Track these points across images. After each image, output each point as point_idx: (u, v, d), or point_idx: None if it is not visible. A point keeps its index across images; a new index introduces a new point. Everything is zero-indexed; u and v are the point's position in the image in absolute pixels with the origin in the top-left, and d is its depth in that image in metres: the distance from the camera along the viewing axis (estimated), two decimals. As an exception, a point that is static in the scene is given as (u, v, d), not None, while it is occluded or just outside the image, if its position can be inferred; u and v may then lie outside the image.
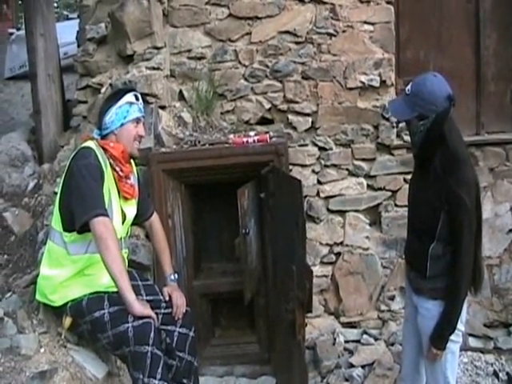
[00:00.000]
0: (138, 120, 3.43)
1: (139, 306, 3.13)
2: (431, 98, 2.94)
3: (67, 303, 3.27)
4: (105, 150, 3.31)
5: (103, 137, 3.39)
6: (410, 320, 3.45)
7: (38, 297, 3.42)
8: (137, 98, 3.43)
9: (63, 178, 3.30)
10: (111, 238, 3.07)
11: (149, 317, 3.16)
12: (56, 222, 3.29)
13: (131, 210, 3.51)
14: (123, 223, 3.42)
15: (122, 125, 3.36)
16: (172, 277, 3.75)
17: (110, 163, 3.30)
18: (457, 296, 3.06)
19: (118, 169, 3.33)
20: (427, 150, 3.05)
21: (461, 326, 3.19)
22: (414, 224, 3.33)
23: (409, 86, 3.03)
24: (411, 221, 3.36)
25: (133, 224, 3.67)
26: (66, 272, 3.26)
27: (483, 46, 5.32)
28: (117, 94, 3.46)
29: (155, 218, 3.85)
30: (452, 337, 3.12)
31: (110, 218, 3.18)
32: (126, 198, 3.42)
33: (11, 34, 12.13)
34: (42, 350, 3.40)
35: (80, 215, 3.09)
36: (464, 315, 3.20)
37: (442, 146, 2.99)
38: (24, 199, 4.75)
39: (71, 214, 3.14)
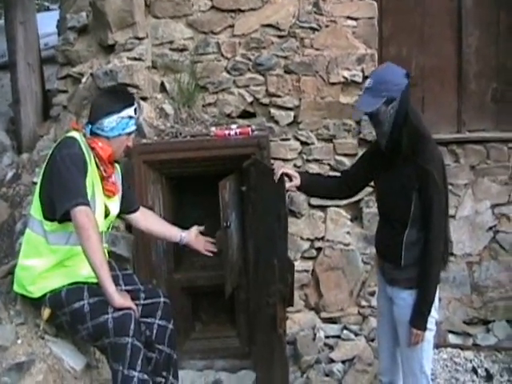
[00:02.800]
0: (132, 133, 3.42)
1: (119, 298, 3.09)
2: (393, 78, 3.08)
3: (45, 294, 3.22)
4: (92, 147, 3.26)
5: (94, 134, 3.32)
6: (384, 313, 3.49)
7: (15, 288, 3.36)
8: (136, 112, 3.40)
9: (44, 165, 3.24)
10: (93, 228, 3.02)
11: (129, 308, 3.12)
12: (36, 210, 3.24)
13: (114, 206, 3.47)
14: (106, 217, 3.38)
15: (119, 135, 3.32)
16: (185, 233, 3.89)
17: (95, 161, 3.26)
18: (431, 269, 3.12)
19: (102, 168, 3.30)
20: (397, 135, 3.08)
21: (434, 314, 3.24)
22: (385, 214, 3.36)
23: (368, 80, 3.14)
24: (382, 211, 3.40)
25: (117, 217, 3.63)
26: (44, 262, 3.21)
27: (465, 43, 5.36)
28: (120, 100, 3.36)
29: (144, 209, 3.86)
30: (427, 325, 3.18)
31: (93, 210, 3.14)
32: (108, 196, 3.39)
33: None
34: (19, 342, 3.34)
35: (61, 203, 3.04)
36: (437, 303, 3.24)
37: (407, 125, 3.07)
38: (2, 189, 4.70)
39: (52, 202, 3.10)
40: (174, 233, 3.90)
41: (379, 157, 3.31)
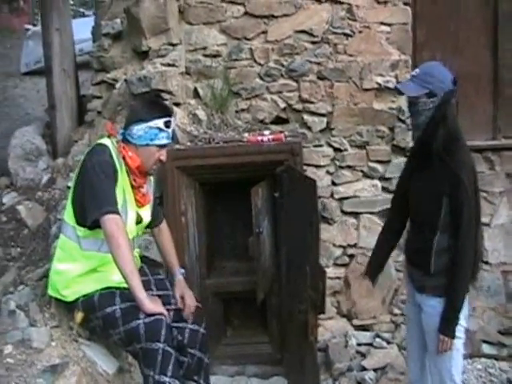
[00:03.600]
0: (163, 146, 3.36)
1: (149, 303, 3.09)
2: (440, 76, 3.12)
3: (79, 298, 3.24)
4: (122, 155, 3.27)
5: (126, 140, 3.32)
6: (412, 320, 3.48)
7: (50, 292, 3.39)
8: (168, 126, 3.32)
9: (77, 172, 3.27)
10: (122, 236, 3.03)
11: (160, 314, 3.13)
12: (69, 215, 3.27)
13: (146, 214, 3.49)
14: (137, 224, 3.40)
15: (147, 145, 3.28)
16: (182, 271, 3.71)
17: (126, 169, 3.28)
18: (460, 277, 3.11)
19: (132, 177, 3.31)
20: (431, 131, 3.10)
21: (463, 322, 3.22)
22: (416, 219, 3.35)
23: (416, 70, 3.20)
24: (413, 216, 3.38)
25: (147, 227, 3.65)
26: (78, 267, 3.23)
27: (501, 48, 5.29)
28: (153, 109, 3.34)
29: (164, 225, 3.80)
30: (456, 333, 3.16)
31: (124, 217, 3.16)
32: (138, 206, 3.39)
33: (27, 29, 12.15)
34: (54, 344, 3.37)
35: (91, 212, 3.06)
36: (466, 311, 3.23)
37: (444, 127, 3.08)
38: (38, 193, 4.76)
39: (84, 209, 3.12)
40: (174, 266, 3.71)
41: (414, 159, 3.34)
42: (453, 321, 3.14)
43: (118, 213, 3.07)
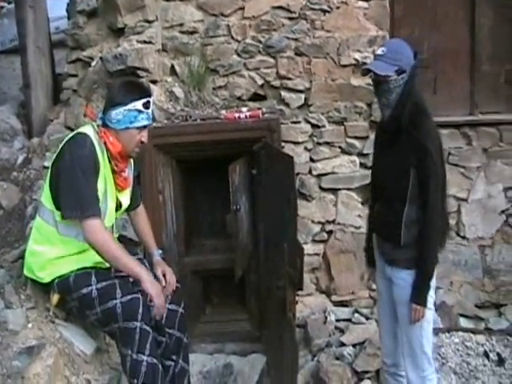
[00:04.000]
0: (143, 127, 3.30)
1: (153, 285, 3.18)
2: (407, 52, 3.18)
3: (54, 280, 3.24)
4: (104, 141, 3.23)
5: (105, 125, 3.27)
6: (383, 294, 3.53)
7: (25, 272, 3.39)
8: (147, 107, 3.26)
9: (55, 158, 3.23)
10: (108, 239, 3.09)
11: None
12: (47, 199, 3.24)
13: (126, 198, 3.47)
14: (117, 211, 3.39)
15: (127, 128, 3.23)
16: (159, 251, 3.69)
17: (107, 155, 3.24)
18: (430, 248, 3.19)
19: (113, 163, 3.26)
20: (402, 107, 3.15)
21: (432, 294, 3.30)
22: (383, 192, 3.39)
23: (382, 48, 3.22)
24: (380, 190, 3.43)
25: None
26: (55, 251, 3.22)
27: (478, 24, 5.29)
28: (130, 92, 3.25)
29: (142, 208, 3.77)
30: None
31: (104, 206, 3.17)
32: (119, 190, 3.37)
33: (2, 7, 11.96)
34: (30, 326, 3.37)
35: (70, 209, 3.06)
36: (434, 283, 3.30)
37: (411, 101, 3.16)
38: (13, 173, 4.71)
39: (60, 202, 3.12)
40: (152, 246, 3.71)
41: (383, 135, 3.38)
42: (424, 290, 3.21)
43: (99, 215, 3.09)
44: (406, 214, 3.19)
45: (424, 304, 3.21)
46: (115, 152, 3.23)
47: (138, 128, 3.25)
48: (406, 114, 3.14)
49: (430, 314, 3.31)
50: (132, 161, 3.55)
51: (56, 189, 3.14)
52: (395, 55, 3.12)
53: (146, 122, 3.28)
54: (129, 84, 3.41)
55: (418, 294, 3.21)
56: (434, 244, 3.19)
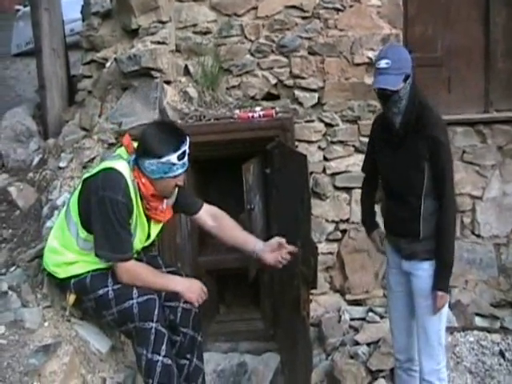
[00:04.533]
0: (179, 175, 3.21)
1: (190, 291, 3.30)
2: (406, 56, 3.20)
3: (71, 278, 3.26)
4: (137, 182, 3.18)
5: (138, 165, 3.18)
6: (397, 289, 3.55)
7: (43, 264, 3.42)
8: (183, 156, 3.13)
9: (88, 179, 3.19)
10: (138, 275, 3.18)
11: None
12: (74, 210, 3.23)
13: (157, 229, 3.45)
14: (146, 241, 3.41)
15: (161, 178, 3.15)
16: (260, 243, 3.56)
17: (140, 194, 3.19)
18: (450, 235, 3.26)
19: (144, 201, 3.22)
20: (411, 111, 3.19)
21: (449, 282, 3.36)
22: (397, 190, 3.38)
23: (385, 61, 3.13)
24: (394, 189, 3.42)
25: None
26: (71, 256, 3.26)
27: (492, 22, 5.29)
28: (164, 145, 3.10)
29: (209, 208, 3.65)
30: None
31: (134, 235, 3.22)
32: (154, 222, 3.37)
33: (18, 10, 12.06)
34: (46, 324, 3.42)
35: (103, 249, 3.11)
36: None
37: (416, 101, 3.19)
38: (29, 174, 4.74)
39: (93, 235, 3.14)
40: (249, 241, 3.58)
41: (384, 139, 3.39)
42: (447, 277, 3.28)
43: (130, 257, 3.17)
44: (424, 208, 3.23)
45: (447, 291, 3.28)
46: (147, 194, 3.18)
47: (173, 177, 3.18)
48: (412, 113, 3.17)
49: (446, 306, 3.38)
50: None
51: (87, 220, 3.14)
52: (399, 64, 3.12)
53: (180, 171, 3.17)
54: (163, 134, 3.17)
55: (442, 282, 3.27)
56: (452, 232, 3.27)
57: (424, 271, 3.31)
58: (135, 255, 3.28)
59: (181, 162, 3.13)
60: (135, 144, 3.22)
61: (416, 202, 3.24)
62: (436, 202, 3.22)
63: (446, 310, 3.39)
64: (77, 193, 3.27)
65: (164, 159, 3.08)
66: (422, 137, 3.16)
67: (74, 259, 3.24)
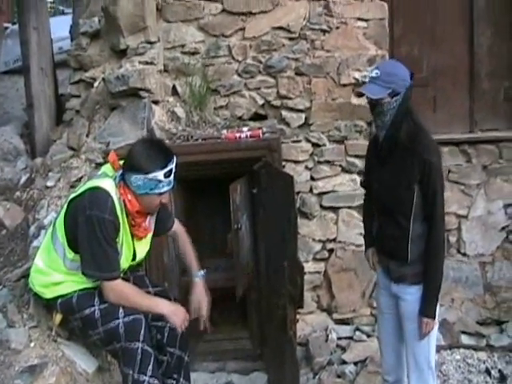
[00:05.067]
0: (164, 192, 3.24)
1: (175, 316, 3.28)
2: (401, 73, 3.16)
3: (57, 298, 3.25)
4: (123, 199, 3.19)
5: (124, 181, 3.21)
6: (386, 311, 3.50)
7: (29, 284, 3.41)
8: (168, 175, 3.16)
9: (75, 199, 3.20)
10: (124, 295, 3.17)
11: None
12: (60, 230, 3.24)
13: (144, 247, 3.45)
14: (133, 260, 3.40)
15: (147, 194, 3.17)
16: (201, 272, 3.67)
17: (125, 210, 3.20)
18: (438, 260, 3.21)
19: (130, 217, 3.23)
20: (397, 127, 3.16)
21: (438, 307, 3.30)
22: (386, 211, 3.35)
23: (376, 71, 3.18)
24: (383, 208, 3.38)
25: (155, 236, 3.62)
26: (58, 276, 3.25)
27: (477, 43, 5.36)
28: (151, 161, 3.12)
29: (177, 227, 3.73)
30: None
31: (121, 253, 3.21)
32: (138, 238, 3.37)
33: (6, 28, 12.06)
34: (32, 345, 3.40)
35: (89, 268, 3.11)
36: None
37: (408, 121, 3.16)
38: (16, 193, 4.72)
39: (79, 254, 3.14)
40: (193, 267, 3.69)
41: (374, 154, 3.39)
42: (434, 302, 3.23)
43: (117, 276, 3.16)
44: (413, 230, 3.19)
45: (433, 317, 3.23)
46: (132, 210, 3.19)
47: (158, 194, 3.20)
48: (402, 134, 3.14)
49: (435, 329, 3.33)
50: None
51: (74, 241, 3.14)
52: (388, 77, 3.11)
53: (166, 189, 3.20)
54: (151, 150, 3.20)
55: (428, 307, 3.22)
56: (441, 257, 3.22)
57: (412, 295, 3.27)
58: (122, 274, 3.27)
59: (167, 180, 3.16)
60: (121, 162, 3.24)
61: (405, 222, 3.20)
62: (425, 225, 3.19)
63: (435, 333, 3.33)
64: (63, 213, 3.27)
65: (151, 175, 3.11)
66: (414, 158, 3.12)
67: (61, 279, 3.24)
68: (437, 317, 3.28)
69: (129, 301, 3.17)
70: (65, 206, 3.29)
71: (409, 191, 3.16)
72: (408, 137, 3.15)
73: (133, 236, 3.30)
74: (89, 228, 3.06)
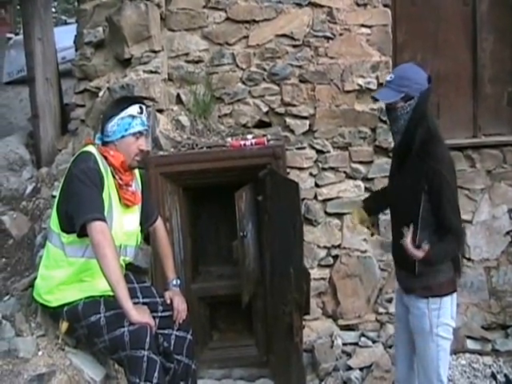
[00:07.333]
0: (139, 134, 3.35)
1: (136, 314, 3.10)
2: (416, 77, 3.13)
3: (63, 306, 3.26)
4: (105, 157, 3.28)
5: (104, 143, 3.35)
6: (401, 320, 3.49)
7: (34, 295, 3.42)
8: (141, 112, 3.36)
9: (62, 181, 3.29)
10: (108, 245, 3.05)
11: (146, 323, 3.15)
12: (54, 223, 3.29)
13: (133, 218, 3.46)
14: (126, 238, 3.40)
15: (123, 137, 3.30)
16: (174, 282, 3.71)
17: (111, 170, 3.28)
18: (446, 245, 3.09)
19: (117, 177, 3.30)
20: (411, 133, 3.11)
21: (451, 322, 3.24)
22: (397, 219, 3.33)
23: (391, 75, 3.19)
24: (394, 217, 3.38)
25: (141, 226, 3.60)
26: (62, 273, 3.25)
27: (480, 48, 5.36)
28: (121, 103, 3.41)
29: (159, 224, 3.80)
30: (443, 333, 3.21)
31: (110, 224, 3.16)
32: (127, 206, 3.38)
33: (9, 38, 12.14)
34: (40, 353, 3.41)
35: (78, 217, 3.07)
36: (454, 311, 3.24)
37: (423, 126, 3.10)
38: (22, 203, 4.75)
39: (69, 217, 3.14)
40: (169, 273, 3.74)
41: (394, 159, 3.39)
42: (443, 252, 3.10)
43: (104, 220, 3.08)
44: (418, 240, 3.05)
45: (432, 257, 3.02)
46: (118, 164, 3.28)
47: (133, 135, 3.32)
48: (416, 140, 3.09)
49: (447, 344, 3.25)
50: (139, 177, 3.58)
51: (66, 204, 3.18)
52: (402, 81, 3.08)
53: (140, 128, 3.34)
54: (119, 98, 3.62)
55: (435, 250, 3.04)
56: (451, 248, 3.12)
57: (418, 310, 3.22)
58: (122, 263, 3.31)
59: (140, 116, 3.32)
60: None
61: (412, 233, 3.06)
62: (433, 237, 3.08)
63: (446, 346, 3.25)
64: (54, 206, 3.32)
65: (122, 113, 3.30)
66: (424, 168, 3.05)
67: (63, 276, 3.24)
68: (450, 333, 3.23)
69: (107, 258, 3.02)
70: (56, 199, 3.35)
71: (415, 200, 3.11)
72: (421, 144, 3.09)
73: (120, 202, 3.33)
74: (74, 178, 3.13)
